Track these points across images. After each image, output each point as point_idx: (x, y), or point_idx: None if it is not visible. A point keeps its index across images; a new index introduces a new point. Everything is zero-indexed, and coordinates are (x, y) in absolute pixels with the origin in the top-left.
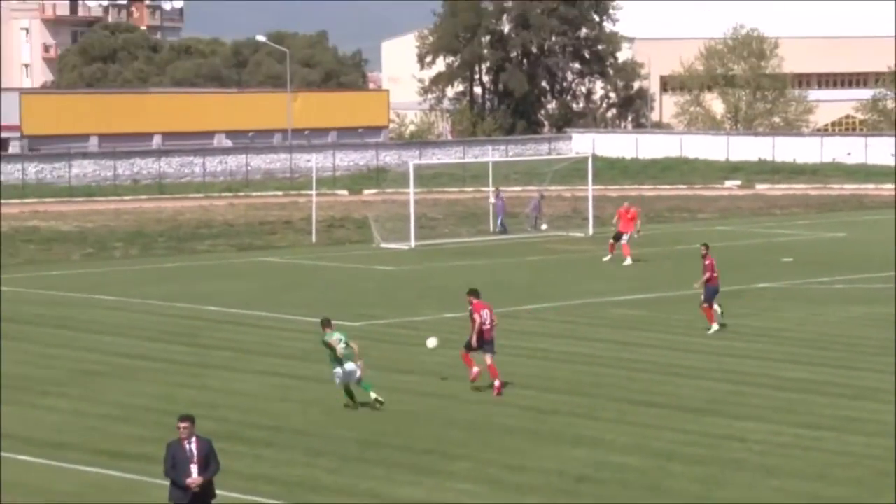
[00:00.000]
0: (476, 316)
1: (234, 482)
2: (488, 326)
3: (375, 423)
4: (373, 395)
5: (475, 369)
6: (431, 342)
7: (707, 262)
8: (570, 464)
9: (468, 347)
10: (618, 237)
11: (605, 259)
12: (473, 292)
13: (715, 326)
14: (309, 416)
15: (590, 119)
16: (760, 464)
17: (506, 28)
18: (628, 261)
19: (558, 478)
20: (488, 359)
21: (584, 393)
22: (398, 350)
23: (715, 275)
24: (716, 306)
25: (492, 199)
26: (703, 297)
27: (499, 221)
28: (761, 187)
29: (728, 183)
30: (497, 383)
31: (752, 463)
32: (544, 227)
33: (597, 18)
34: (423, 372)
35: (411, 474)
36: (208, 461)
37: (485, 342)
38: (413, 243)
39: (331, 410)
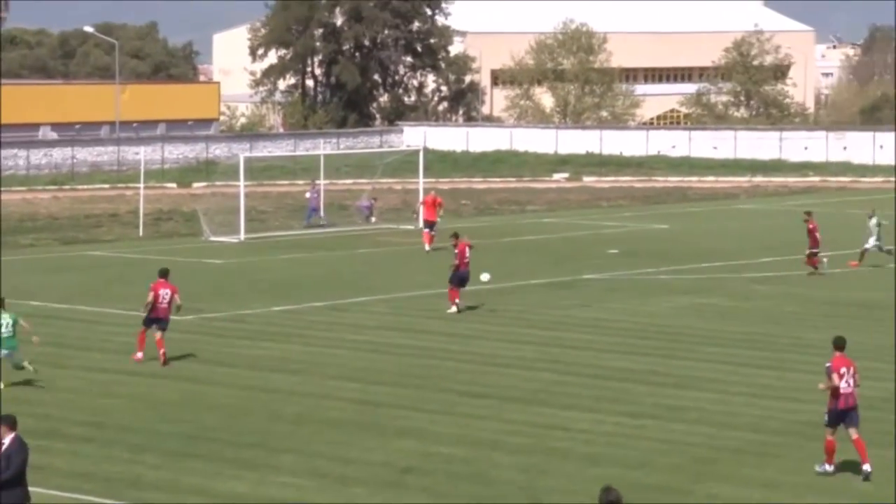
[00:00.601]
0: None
1: (54, 480)
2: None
3: (201, 418)
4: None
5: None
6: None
7: (457, 251)
8: (395, 455)
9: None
10: (428, 225)
11: (427, 250)
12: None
13: (453, 308)
14: (134, 411)
15: (421, 112)
16: (584, 452)
17: (338, 21)
18: (427, 248)
19: (384, 469)
20: None
21: (410, 385)
22: (226, 344)
23: (465, 262)
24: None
25: (308, 194)
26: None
27: (307, 214)
28: (589, 180)
29: (556, 175)
30: None
31: (575, 452)
32: (373, 220)
33: (429, 12)
34: (250, 366)
35: (236, 468)
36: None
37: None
38: (243, 236)
39: (156, 405)
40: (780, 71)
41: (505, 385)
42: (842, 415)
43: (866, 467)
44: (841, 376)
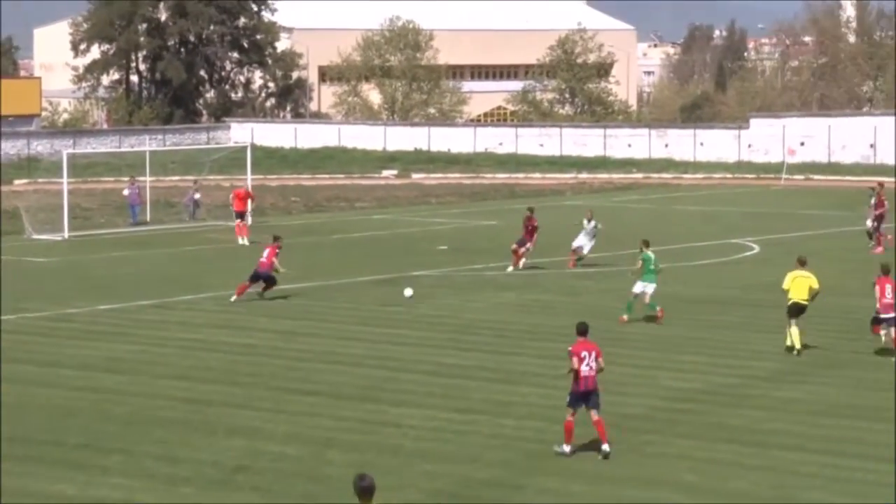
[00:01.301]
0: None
1: None
2: None
3: (27, 420)
4: None
5: None
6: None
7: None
8: (225, 454)
9: None
10: (239, 216)
11: (242, 243)
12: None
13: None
14: None
15: (249, 109)
16: (415, 448)
17: (162, 16)
18: (243, 241)
19: (213, 468)
20: None
21: (241, 383)
22: (52, 344)
23: (268, 262)
24: None
25: (125, 191)
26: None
27: (132, 212)
28: (417, 176)
29: (385, 172)
30: None
31: (406, 448)
32: (201, 216)
33: (254, 8)
34: (78, 366)
35: (63, 470)
36: None
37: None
38: (67, 234)
39: None
40: (603, 69)
41: (336, 382)
42: (582, 396)
43: (605, 447)
44: (582, 360)
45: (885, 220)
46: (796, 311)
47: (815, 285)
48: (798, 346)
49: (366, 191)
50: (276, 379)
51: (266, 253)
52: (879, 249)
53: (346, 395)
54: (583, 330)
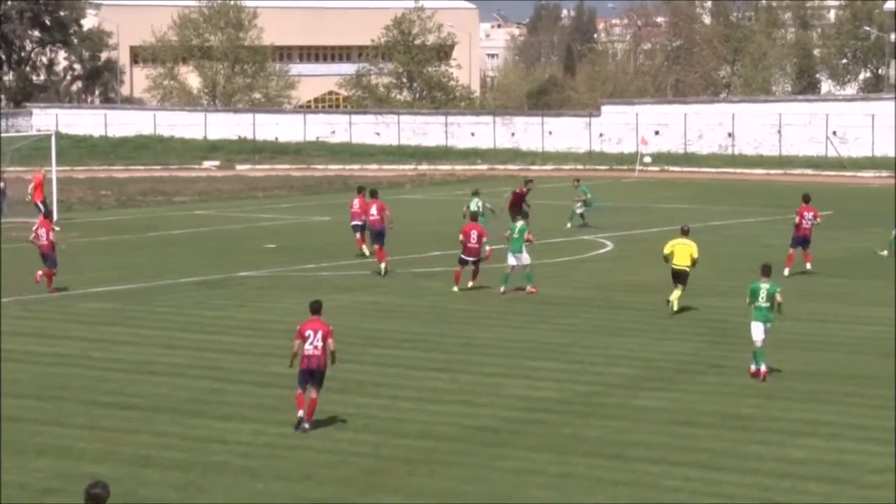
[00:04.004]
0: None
1: None
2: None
3: None
4: None
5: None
6: None
7: None
8: (34, 476)
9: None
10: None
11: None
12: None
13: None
14: None
15: (52, 93)
16: (243, 466)
17: None
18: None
19: (21, 492)
20: None
21: (50, 397)
22: None
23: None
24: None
25: None
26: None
27: None
28: (242, 168)
29: (206, 163)
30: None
31: (234, 466)
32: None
33: None
34: None
35: None
36: None
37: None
38: None
39: None
40: (443, 51)
41: (156, 395)
42: (308, 375)
43: (305, 425)
44: (306, 339)
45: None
46: (678, 276)
47: (695, 254)
48: (675, 307)
49: (185, 184)
50: (88, 392)
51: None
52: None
53: (166, 409)
54: (315, 308)
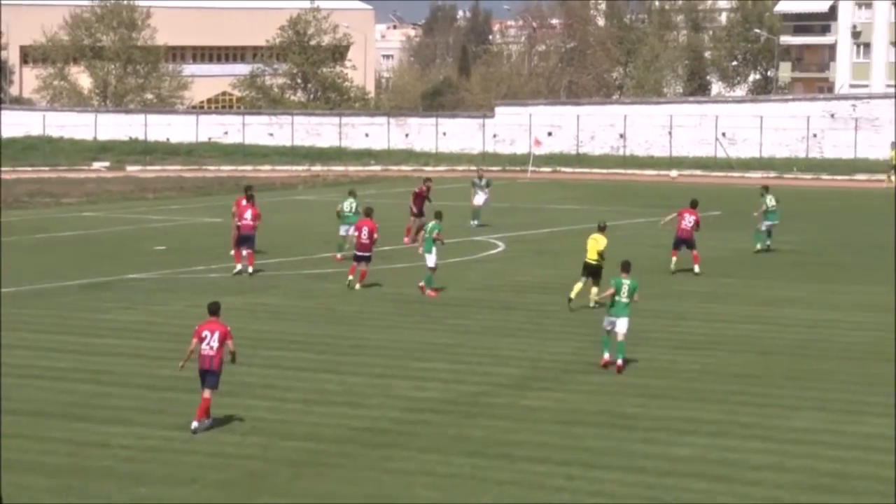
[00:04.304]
0: None
1: None
2: None
3: None
4: None
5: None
6: None
7: None
8: None
9: None
10: None
11: None
12: None
13: None
14: None
15: None
16: (127, 471)
17: None
18: None
19: None
20: None
21: None
22: None
23: None
24: None
25: None
26: None
27: None
28: (133, 169)
29: (96, 164)
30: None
31: (117, 470)
32: None
33: None
34: None
35: None
36: None
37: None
38: None
39: None
40: (338, 52)
41: (37, 399)
42: (203, 375)
43: (195, 424)
44: (202, 339)
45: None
46: (587, 269)
47: (600, 247)
48: (591, 302)
49: (74, 185)
50: None
51: None
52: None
53: (48, 414)
54: (213, 310)
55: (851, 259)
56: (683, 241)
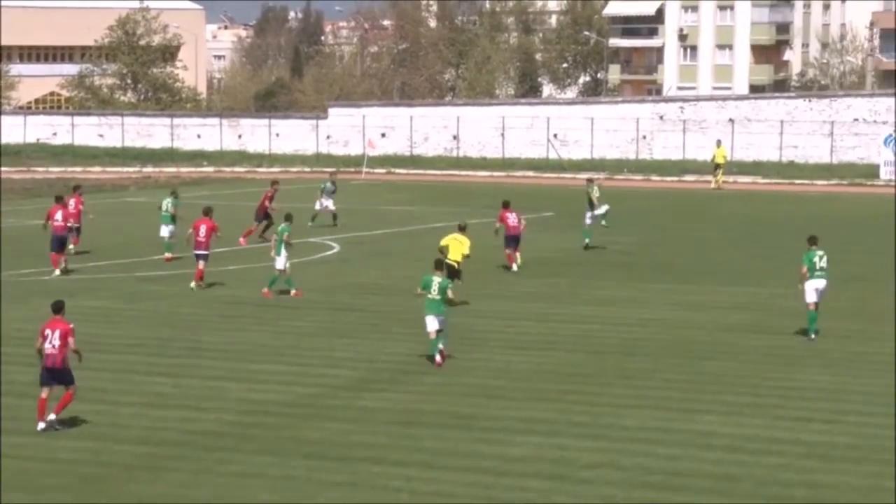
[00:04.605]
0: None
1: None
2: None
3: None
4: None
5: None
6: None
7: None
8: None
9: None
10: None
11: None
12: None
13: None
14: None
15: None
16: None
17: None
18: None
19: None
20: None
21: None
22: None
23: None
24: None
25: None
26: None
27: None
28: None
29: None
30: None
31: None
32: None
33: None
34: None
35: None
36: None
37: None
38: None
39: None
40: (169, 52)
41: None
42: (50, 374)
43: (52, 417)
44: (45, 338)
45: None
46: (451, 271)
47: (466, 251)
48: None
49: None
50: None
51: None
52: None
53: None
54: (57, 308)
55: (679, 259)
56: (514, 239)
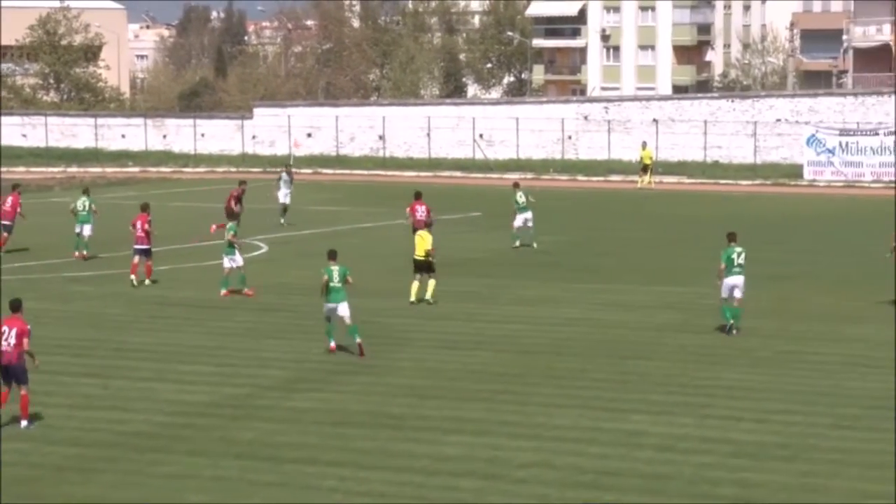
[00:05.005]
0: None
1: None
2: None
3: None
4: None
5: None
6: None
7: None
8: None
9: None
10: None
11: None
12: None
13: None
14: None
15: None
16: None
17: None
18: None
19: None
20: None
21: None
22: None
23: None
24: None
25: None
26: None
27: None
28: None
29: None
30: None
31: None
32: None
33: None
34: None
35: None
36: None
37: None
38: None
39: None
40: (91, 52)
41: None
42: (5, 373)
43: (23, 423)
44: (2, 335)
45: None
46: (418, 265)
47: (428, 245)
48: (427, 296)
49: None
50: None
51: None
52: None
53: None
54: (14, 307)
55: (606, 259)
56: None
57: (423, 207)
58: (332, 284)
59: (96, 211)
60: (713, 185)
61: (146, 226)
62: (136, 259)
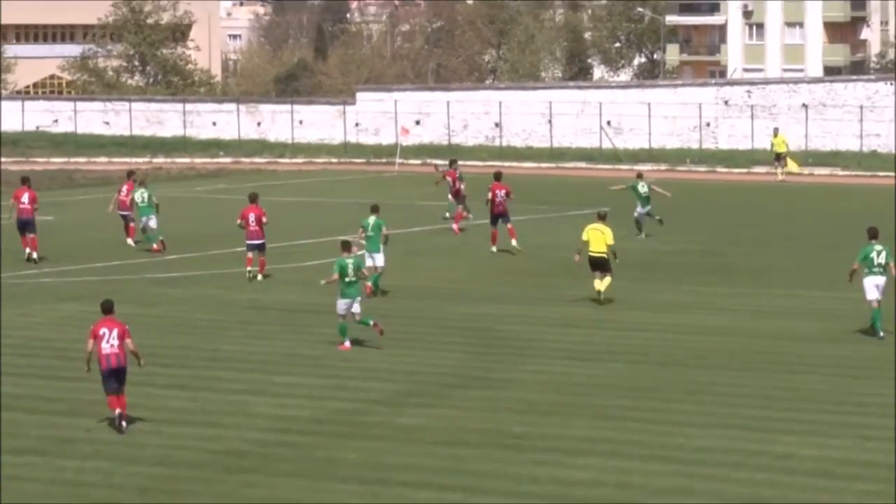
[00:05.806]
0: None
1: None
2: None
3: None
4: None
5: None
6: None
7: None
8: None
9: None
10: None
11: None
12: None
13: None
14: None
15: None
16: None
17: None
18: None
19: None
20: None
21: None
22: None
23: None
24: None
25: None
26: None
27: None
28: None
29: None
30: None
31: None
32: None
33: None
34: None
35: None
36: None
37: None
38: None
39: None
40: (179, 31)
41: None
42: (112, 375)
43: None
44: (101, 337)
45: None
46: (594, 264)
47: (610, 240)
48: (601, 289)
49: None
50: None
51: None
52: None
53: None
54: (107, 308)
55: (743, 260)
56: (500, 216)
57: (503, 191)
58: (347, 279)
59: (157, 203)
60: (870, 177)
61: (263, 218)
62: (251, 255)
